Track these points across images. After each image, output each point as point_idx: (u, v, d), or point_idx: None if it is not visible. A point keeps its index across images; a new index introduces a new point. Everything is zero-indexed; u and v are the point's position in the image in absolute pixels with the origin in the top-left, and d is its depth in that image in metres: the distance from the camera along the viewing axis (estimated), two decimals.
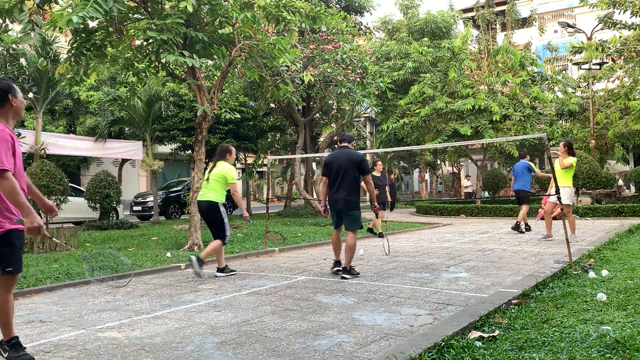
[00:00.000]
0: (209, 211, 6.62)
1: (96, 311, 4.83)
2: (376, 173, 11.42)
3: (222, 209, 6.64)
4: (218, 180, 6.64)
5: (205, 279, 6.47)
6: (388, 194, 11.99)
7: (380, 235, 11.41)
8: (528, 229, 11.84)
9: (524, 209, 11.56)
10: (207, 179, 6.68)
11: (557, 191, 7.03)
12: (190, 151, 19.42)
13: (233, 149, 6.92)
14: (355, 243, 6.31)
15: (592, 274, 5.76)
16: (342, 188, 6.30)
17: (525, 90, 19.00)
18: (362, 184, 6.60)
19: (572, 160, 9.38)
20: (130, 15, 8.98)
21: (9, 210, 3.32)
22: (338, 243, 6.67)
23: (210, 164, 6.91)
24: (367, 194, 6.91)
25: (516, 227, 11.51)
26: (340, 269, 6.43)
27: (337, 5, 19.95)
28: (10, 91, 3.42)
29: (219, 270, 6.71)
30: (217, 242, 6.58)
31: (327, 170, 6.48)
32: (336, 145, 25.09)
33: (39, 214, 3.98)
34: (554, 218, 14.53)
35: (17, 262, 3.39)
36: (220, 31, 9.21)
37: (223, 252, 6.76)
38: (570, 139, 22.19)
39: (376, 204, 6.66)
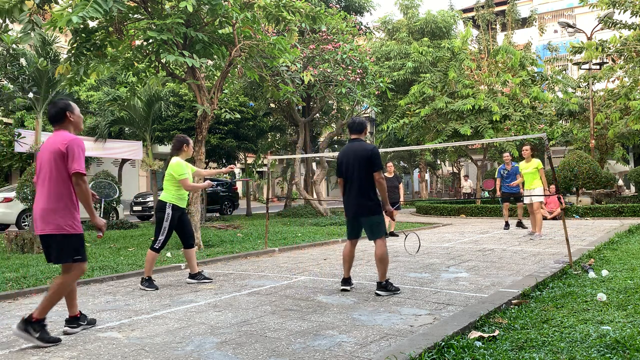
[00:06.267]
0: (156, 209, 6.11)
1: (96, 311, 4.83)
2: (388, 174, 11.47)
3: (167, 210, 5.92)
4: (167, 178, 6.06)
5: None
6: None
7: (392, 235, 11.48)
8: None
9: None
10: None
11: (558, 190, 7.04)
12: None
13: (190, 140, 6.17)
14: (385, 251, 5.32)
15: (592, 274, 5.75)
16: (357, 191, 5.35)
17: (525, 90, 19.00)
18: None
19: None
20: (130, 15, 8.98)
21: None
22: (351, 256, 5.57)
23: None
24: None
25: None
26: (348, 288, 5.51)
27: (337, 5, 19.95)
28: (68, 109, 4.02)
29: (191, 276, 6.26)
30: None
31: (339, 170, 5.61)
32: (336, 145, 25.12)
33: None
34: (554, 218, 14.61)
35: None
36: (220, 31, 9.21)
37: (194, 257, 6.28)
38: (570, 139, 22.25)
39: (388, 206, 5.49)
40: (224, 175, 24.17)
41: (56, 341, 3.81)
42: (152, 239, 6.06)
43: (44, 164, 3.92)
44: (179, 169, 5.93)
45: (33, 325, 3.75)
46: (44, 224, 3.86)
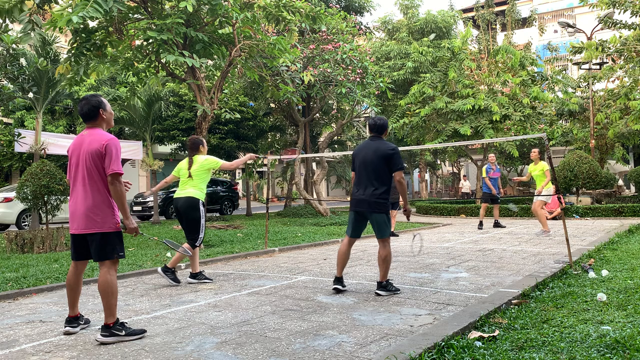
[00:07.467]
0: (189, 207, 6.06)
1: (96, 311, 4.83)
2: None
3: (201, 208, 6.07)
4: (199, 174, 6.10)
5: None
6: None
7: (392, 235, 11.44)
8: None
9: None
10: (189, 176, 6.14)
11: (558, 190, 7.04)
12: None
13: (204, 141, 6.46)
14: (389, 252, 5.29)
15: (592, 274, 5.76)
16: (367, 186, 5.30)
17: (525, 90, 19.01)
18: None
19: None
20: (130, 15, 8.99)
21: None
22: (346, 255, 5.47)
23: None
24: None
25: None
26: (341, 287, 5.41)
27: (337, 5, 19.96)
28: (100, 106, 4.01)
29: (192, 276, 6.23)
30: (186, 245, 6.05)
31: (353, 164, 5.61)
32: (336, 145, 25.07)
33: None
34: (554, 218, 14.63)
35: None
36: (220, 31, 9.22)
37: (197, 256, 6.24)
38: (570, 139, 22.27)
39: (408, 206, 5.46)
40: (224, 176, 24.19)
41: (142, 332, 3.95)
42: (190, 237, 6.09)
43: (81, 163, 3.93)
44: (213, 160, 6.18)
45: (116, 327, 3.85)
46: (89, 223, 3.88)
